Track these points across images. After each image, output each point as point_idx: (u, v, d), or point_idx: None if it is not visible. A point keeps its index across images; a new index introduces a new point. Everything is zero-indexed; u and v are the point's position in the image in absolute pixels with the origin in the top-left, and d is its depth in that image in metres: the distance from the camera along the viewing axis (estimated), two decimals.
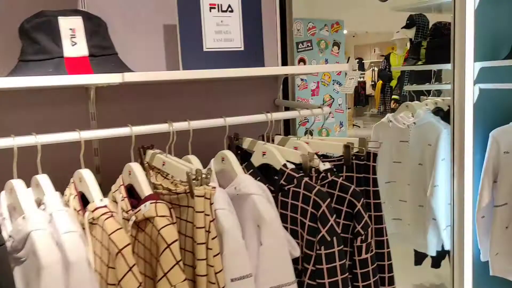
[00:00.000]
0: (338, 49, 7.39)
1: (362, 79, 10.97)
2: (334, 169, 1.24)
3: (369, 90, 11.00)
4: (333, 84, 7.29)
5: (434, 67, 2.25)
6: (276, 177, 1.21)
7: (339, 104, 7.41)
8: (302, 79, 7.10)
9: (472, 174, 2.14)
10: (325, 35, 7.24)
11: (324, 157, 1.34)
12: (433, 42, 2.32)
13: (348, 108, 10.01)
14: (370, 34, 11.22)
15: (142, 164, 1.20)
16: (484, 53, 2.09)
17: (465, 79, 2.07)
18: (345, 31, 9.62)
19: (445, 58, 2.16)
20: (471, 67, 2.07)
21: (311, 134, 1.38)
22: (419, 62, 2.31)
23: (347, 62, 11.02)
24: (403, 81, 3.76)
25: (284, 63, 1.65)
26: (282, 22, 1.60)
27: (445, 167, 2.22)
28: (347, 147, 1.25)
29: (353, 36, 11.38)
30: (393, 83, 5.31)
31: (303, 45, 7.01)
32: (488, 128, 2.05)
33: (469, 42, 2.05)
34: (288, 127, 1.67)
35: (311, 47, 7.09)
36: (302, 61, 7.10)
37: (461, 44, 2.06)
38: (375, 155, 1.27)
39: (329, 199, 1.12)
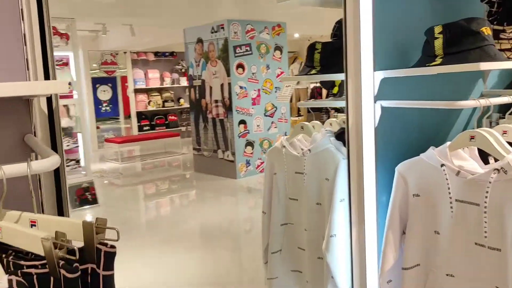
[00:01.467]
0: (281, 54, 6.90)
1: (318, 85, 10.55)
2: None
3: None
4: (276, 92, 6.77)
5: (326, 77, 1.71)
6: None
7: (282, 113, 6.92)
8: (241, 87, 6.55)
9: (377, 222, 1.60)
10: (266, 39, 6.73)
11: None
12: (328, 44, 1.77)
13: (301, 115, 9.52)
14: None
15: None
16: (387, 60, 1.56)
17: (362, 93, 1.53)
18: (296, 35, 9.03)
19: (342, 65, 1.62)
20: (370, 78, 1.53)
21: None
22: (313, 71, 1.75)
23: (300, 66, 10.56)
24: (343, 88, 3.31)
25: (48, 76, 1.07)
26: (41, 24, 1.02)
27: (344, 210, 1.68)
28: (50, 242, 0.66)
29: (308, 40, 10.95)
30: (336, 90, 4.83)
31: (241, 49, 6.48)
32: (395, 160, 1.51)
33: (366, 46, 1.51)
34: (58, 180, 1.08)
35: (250, 52, 6.57)
36: (240, 66, 6.54)
37: (356, 47, 1.52)
38: (110, 255, 0.69)
39: None
